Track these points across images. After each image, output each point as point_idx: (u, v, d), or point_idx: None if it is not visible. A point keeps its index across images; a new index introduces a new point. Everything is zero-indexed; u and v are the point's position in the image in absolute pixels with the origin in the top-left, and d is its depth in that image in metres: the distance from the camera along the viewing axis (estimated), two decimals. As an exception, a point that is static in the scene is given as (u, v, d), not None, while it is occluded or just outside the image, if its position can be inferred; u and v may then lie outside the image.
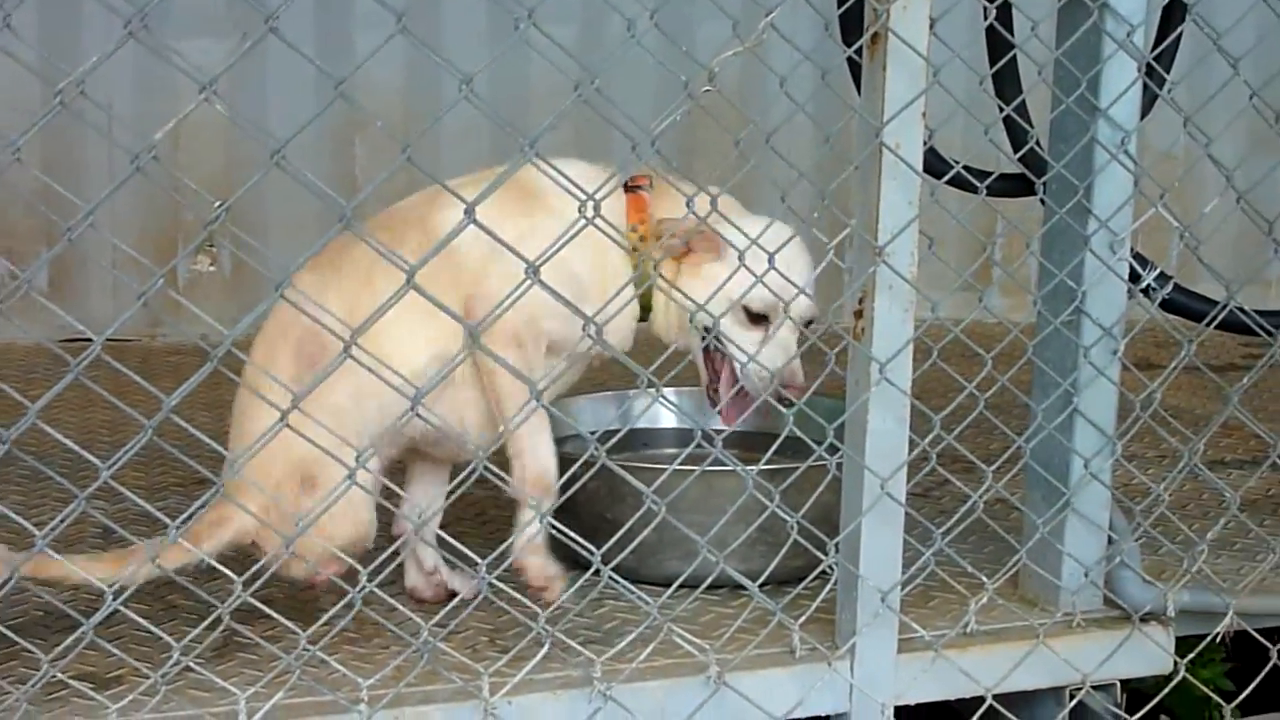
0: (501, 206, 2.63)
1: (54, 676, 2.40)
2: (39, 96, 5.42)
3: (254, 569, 2.34)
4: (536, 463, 2.85)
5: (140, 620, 2.38)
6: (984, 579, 2.96)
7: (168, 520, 2.28)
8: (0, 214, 5.58)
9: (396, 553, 2.44)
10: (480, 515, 3.60)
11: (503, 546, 2.53)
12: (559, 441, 3.45)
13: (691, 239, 2.89)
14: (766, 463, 2.70)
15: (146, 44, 2.15)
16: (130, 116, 5.40)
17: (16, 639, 2.41)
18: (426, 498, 3.08)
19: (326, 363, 2.39)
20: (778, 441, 2.73)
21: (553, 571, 2.85)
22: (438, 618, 2.69)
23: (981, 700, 2.88)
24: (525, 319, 2.77)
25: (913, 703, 2.85)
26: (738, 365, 2.90)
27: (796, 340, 2.92)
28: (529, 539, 2.81)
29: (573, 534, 2.52)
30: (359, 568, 2.39)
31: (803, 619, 2.77)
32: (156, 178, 2.26)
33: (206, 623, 2.44)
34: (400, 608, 2.60)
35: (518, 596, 2.54)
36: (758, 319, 2.91)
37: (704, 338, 2.94)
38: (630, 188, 3.00)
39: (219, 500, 2.58)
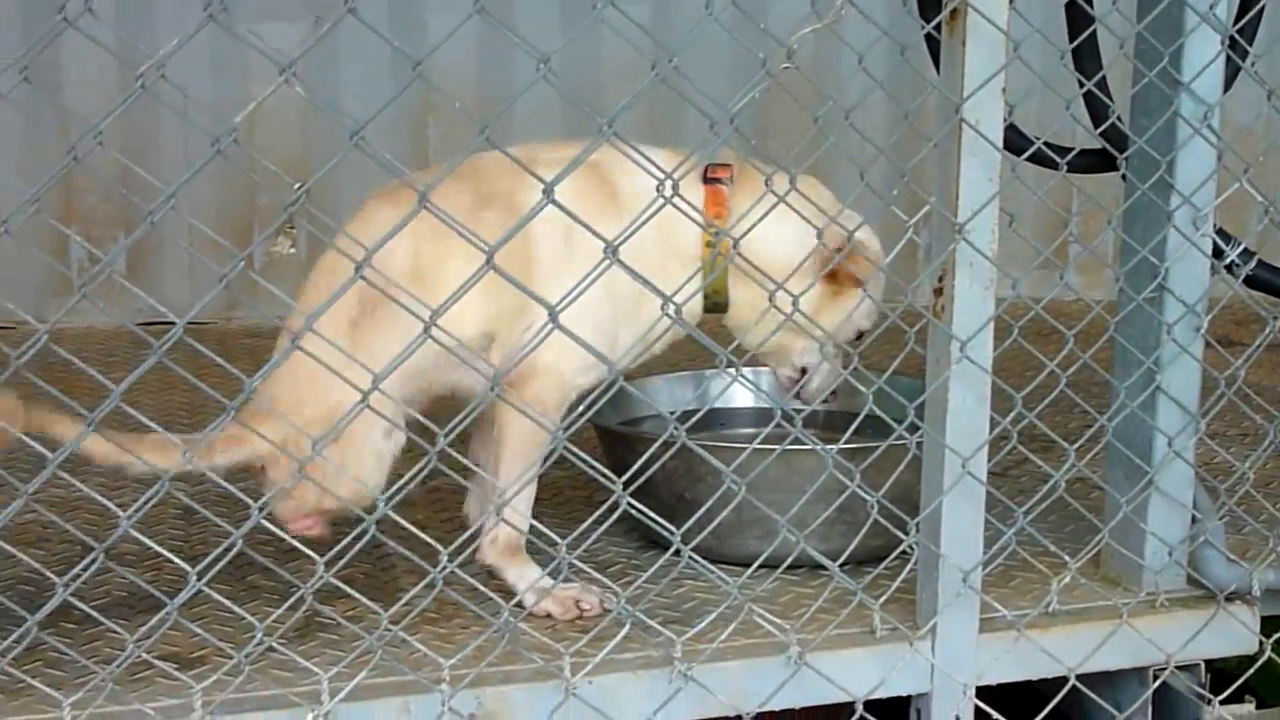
0: (584, 206, 2.59)
1: (139, 656, 2.43)
2: (116, 80, 5.48)
3: (335, 550, 2.35)
4: (512, 526, 2.82)
5: (223, 600, 2.39)
6: (1066, 558, 2.93)
7: (249, 500, 2.29)
8: (78, 198, 5.62)
9: (477, 534, 2.44)
10: (557, 495, 3.61)
11: (582, 526, 2.52)
12: (636, 421, 3.47)
13: (844, 267, 2.89)
14: (846, 442, 2.68)
15: (225, 27, 2.15)
16: (205, 100, 5.43)
17: (102, 619, 2.43)
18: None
19: (381, 310, 2.43)
20: (857, 421, 2.71)
21: (572, 593, 2.87)
22: (519, 597, 2.69)
23: (1063, 681, 2.86)
24: (556, 383, 2.82)
25: (994, 683, 2.83)
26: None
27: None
28: (532, 587, 2.82)
29: (652, 514, 2.51)
30: (439, 547, 2.38)
31: (883, 599, 2.76)
32: (234, 161, 2.26)
33: (289, 603, 2.45)
34: (481, 587, 2.62)
35: (597, 576, 2.54)
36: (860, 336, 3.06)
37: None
38: (710, 180, 2.98)
39: (243, 418, 2.62)
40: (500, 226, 2.47)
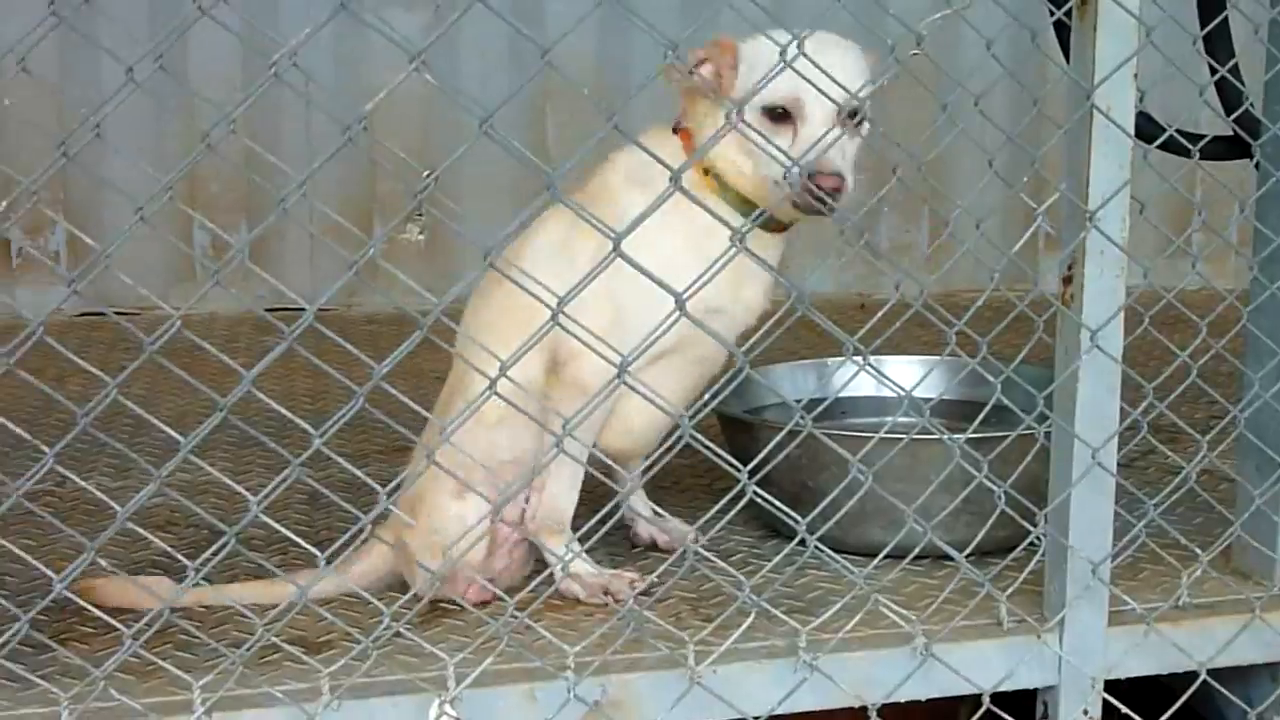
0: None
1: (267, 640, 2.46)
2: (240, 67, 5.55)
3: (464, 534, 2.36)
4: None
5: (351, 586, 2.40)
6: (1197, 551, 2.89)
7: (377, 486, 2.31)
8: (201, 186, 5.69)
9: (603, 521, 2.43)
10: (678, 483, 3.60)
11: (707, 515, 2.51)
12: (759, 409, 3.46)
13: (709, 58, 2.81)
14: (972, 432, 2.66)
15: (355, 15, 2.16)
16: (326, 87, 5.48)
17: (232, 603, 2.46)
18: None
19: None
20: (985, 410, 2.68)
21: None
22: (643, 586, 2.69)
23: (1193, 676, 2.82)
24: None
25: (1123, 677, 2.79)
26: (776, 173, 2.70)
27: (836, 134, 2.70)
28: (562, 570, 2.82)
29: (776, 502, 2.50)
30: (503, 594, 2.38)
31: (1010, 590, 2.73)
32: (362, 148, 2.28)
33: (415, 589, 2.46)
34: (603, 572, 2.62)
35: (723, 565, 2.54)
36: (780, 117, 2.75)
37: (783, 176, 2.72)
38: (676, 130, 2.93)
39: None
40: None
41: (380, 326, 5.40)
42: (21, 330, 2.09)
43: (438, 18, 5.68)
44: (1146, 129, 2.89)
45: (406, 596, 2.49)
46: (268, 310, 2.34)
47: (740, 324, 2.90)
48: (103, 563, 2.29)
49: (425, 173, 2.28)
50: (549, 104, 5.97)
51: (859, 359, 2.50)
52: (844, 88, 2.55)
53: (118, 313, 4.98)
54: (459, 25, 2.28)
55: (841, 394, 2.78)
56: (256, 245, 5.69)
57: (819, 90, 2.58)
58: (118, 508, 2.20)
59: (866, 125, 2.79)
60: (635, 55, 5.90)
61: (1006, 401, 2.69)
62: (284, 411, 2.26)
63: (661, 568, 2.66)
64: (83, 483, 2.29)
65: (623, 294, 2.68)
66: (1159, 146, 2.83)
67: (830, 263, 5.96)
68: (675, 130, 2.93)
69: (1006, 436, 2.78)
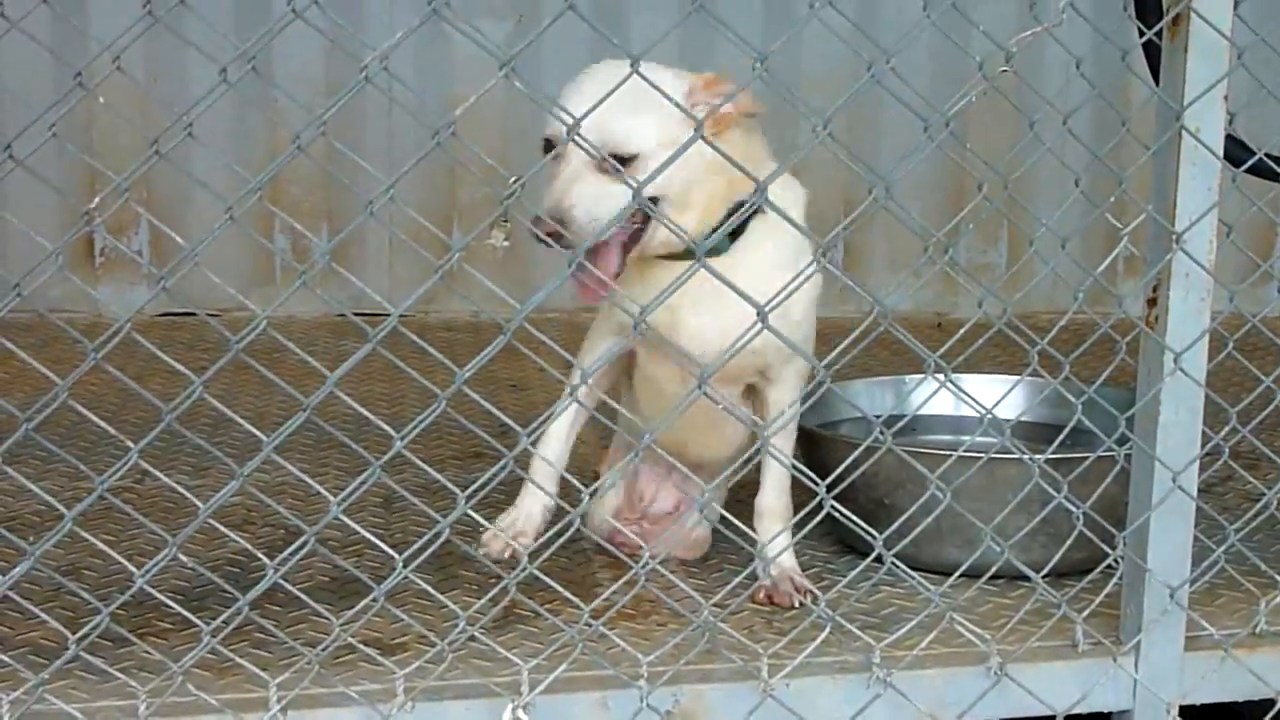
0: None
1: (343, 640, 2.47)
2: (323, 70, 5.59)
3: (538, 542, 2.37)
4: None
5: (427, 588, 2.42)
6: (1276, 577, 2.86)
7: (456, 490, 2.32)
8: (282, 189, 5.73)
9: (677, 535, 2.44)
10: (752, 496, 3.59)
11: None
12: (835, 424, 3.45)
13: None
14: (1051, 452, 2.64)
15: (448, 21, 2.18)
16: (407, 93, 5.51)
17: (308, 601, 2.48)
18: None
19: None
20: (1065, 431, 2.67)
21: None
22: (717, 597, 2.69)
23: (1269, 703, 2.79)
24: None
25: (1198, 703, 2.77)
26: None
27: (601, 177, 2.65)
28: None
29: (854, 518, 2.49)
30: (641, 543, 2.38)
31: (1086, 612, 2.71)
32: (441, 154, 2.29)
33: (491, 594, 2.47)
34: (679, 584, 2.62)
35: (801, 581, 2.53)
36: (550, 149, 2.69)
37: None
38: None
39: None
40: None
41: (457, 333, 5.42)
42: (102, 329, 2.12)
43: (520, 28, 5.70)
44: (1234, 152, 2.86)
45: (482, 601, 2.50)
46: (344, 315, 2.36)
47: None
48: (184, 558, 2.32)
49: (512, 179, 2.29)
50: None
51: (939, 376, 2.50)
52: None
53: (193, 313, 5.00)
54: (542, 34, 2.30)
55: (919, 411, 2.78)
56: (336, 249, 5.73)
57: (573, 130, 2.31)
58: (199, 504, 2.23)
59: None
60: (717, 66, 5.90)
61: (1087, 423, 2.68)
62: (365, 413, 2.28)
63: (735, 580, 2.66)
64: (165, 478, 2.31)
65: None
66: (1247, 170, 2.81)
67: (908, 281, 5.93)
68: None
69: (1086, 458, 2.76)
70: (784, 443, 2.95)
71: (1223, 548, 2.75)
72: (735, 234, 2.77)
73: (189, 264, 2.33)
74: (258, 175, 2.25)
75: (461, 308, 5.65)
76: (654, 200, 2.62)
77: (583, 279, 2.67)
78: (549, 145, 2.67)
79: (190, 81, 5.40)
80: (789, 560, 2.95)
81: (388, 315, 2.16)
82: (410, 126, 5.58)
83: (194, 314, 2.80)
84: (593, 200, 2.63)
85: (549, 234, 2.57)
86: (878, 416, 2.59)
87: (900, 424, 2.51)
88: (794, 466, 2.41)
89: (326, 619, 2.48)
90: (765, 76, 2.27)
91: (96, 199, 2.42)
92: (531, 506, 2.91)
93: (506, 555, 2.84)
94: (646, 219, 2.71)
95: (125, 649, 2.58)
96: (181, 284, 4.95)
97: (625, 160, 2.64)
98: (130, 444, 2.16)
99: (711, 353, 2.68)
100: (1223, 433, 2.67)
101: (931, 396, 2.66)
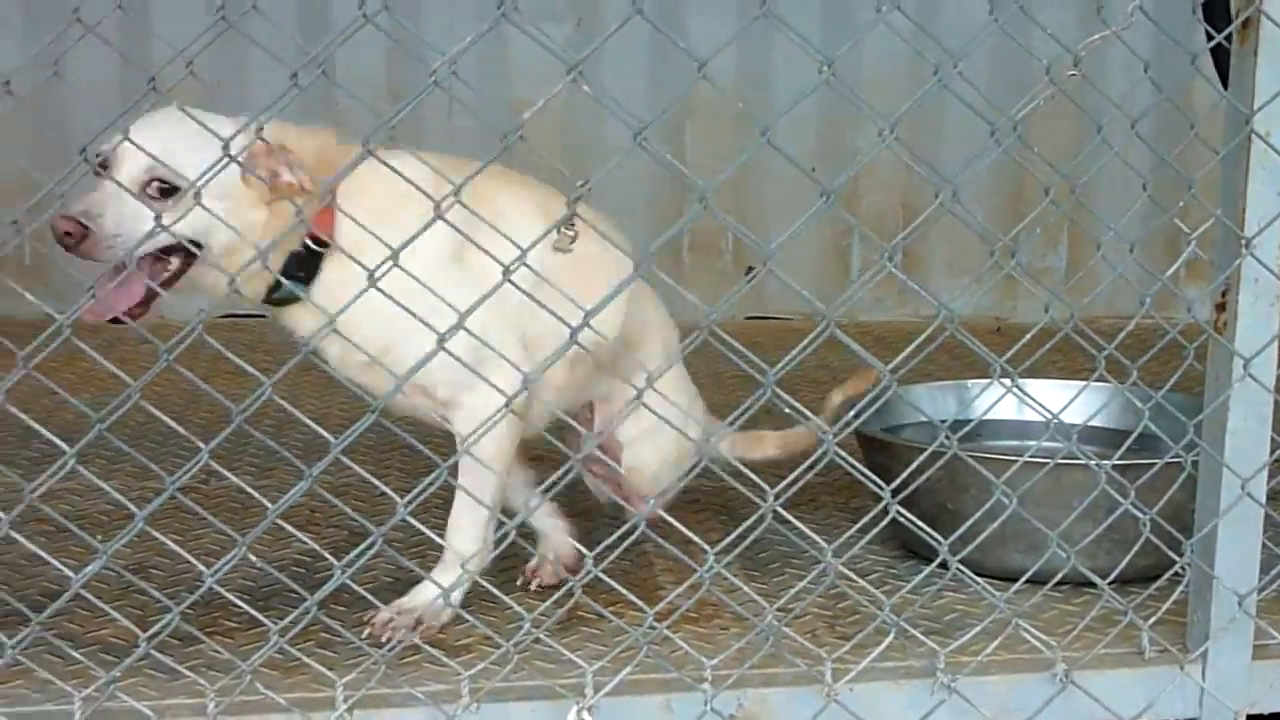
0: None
1: (408, 641, 2.49)
2: (384, 74, 5.62)
3: (602, 546, 2.37)
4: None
5: (493, 590, 2.43)
6: (1346, 585, 2.83)
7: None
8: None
9: (744, 535, 2.44)
10: (813, 501, 3.59)
11: (848, 533, 2.50)
12: (898, 429, 3.44)
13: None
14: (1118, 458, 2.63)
15: (518, 25, 2.19)
16: (467, 97, 5.53)
17: (375, 601, 2.50)
18: None
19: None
20: (1132, 437, 2.66)
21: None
22: (781, 601, 2.69)
23: (1337, 713, 2.78)
24: None
25: (1266, 711, 2.75)
26: None
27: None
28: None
29: (920, 523, 2.49)
30: (705, 546, 2.38)
31: (1152, 620, 2.69)
32: (520, 156, 2.31)
33: (557, 595, 2.47)
34: (743, 587, 2.62)
35: (864, 585, 2.53)
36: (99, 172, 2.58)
37: None
38: None
39: None
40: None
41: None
42: (168, 330, 2.14)
43: (579, 31, 5.72)
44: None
45: (547, 603, 2.51)
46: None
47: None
48: (252, 558, 2.33)
49: (580, 183, 2.30)
50: (689, 119, 5.99)
51: (1005, 381, 2.49)
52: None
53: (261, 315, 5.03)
54: (607, 39, 2.31)
55: (982, 416, 2.78)
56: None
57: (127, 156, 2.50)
58: (268, 504, 2.25)
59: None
60: (776, 70, 5.91)
61: (1154, 428, 2.67)
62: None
63: (800, 584, 2.66)
64: (234, 478, 2.33)
65: None
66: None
67: (970, 286, 5.92)
68: None
69: (1154, 464, 2.74)
70: (472, 479, 2.72)
71: (1291, 555, 2.73)
72: (310, 277, 2.69)
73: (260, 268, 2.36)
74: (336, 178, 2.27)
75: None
76: (196, 244, 2.58)
77: (101, 296, 2.53)
78: (103, 164, 2.55)
79: (252, 84, 5.43)
80: (421, 599, 2.76)
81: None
82: (470, 129, 5.60)
83: (262, 316, 2.82)
84: (125, 217, 2.49)
85: (66, 232, 2.46)
86: (943, 421, 2.58)
87: (966, 429, 2.51)
88: (860, 471, 2.40)
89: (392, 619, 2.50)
90: (831, 80, 2.27)
91: (169, 201, 2.43)
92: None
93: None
94: (186, 264, 2.61)
95: (193, 647, 2.60)
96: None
97: (168, 191, 2.54)
98: (201, 444, 2.18)
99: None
100: (1291, 439, 2.65)
101: (997, 402, 2.65)
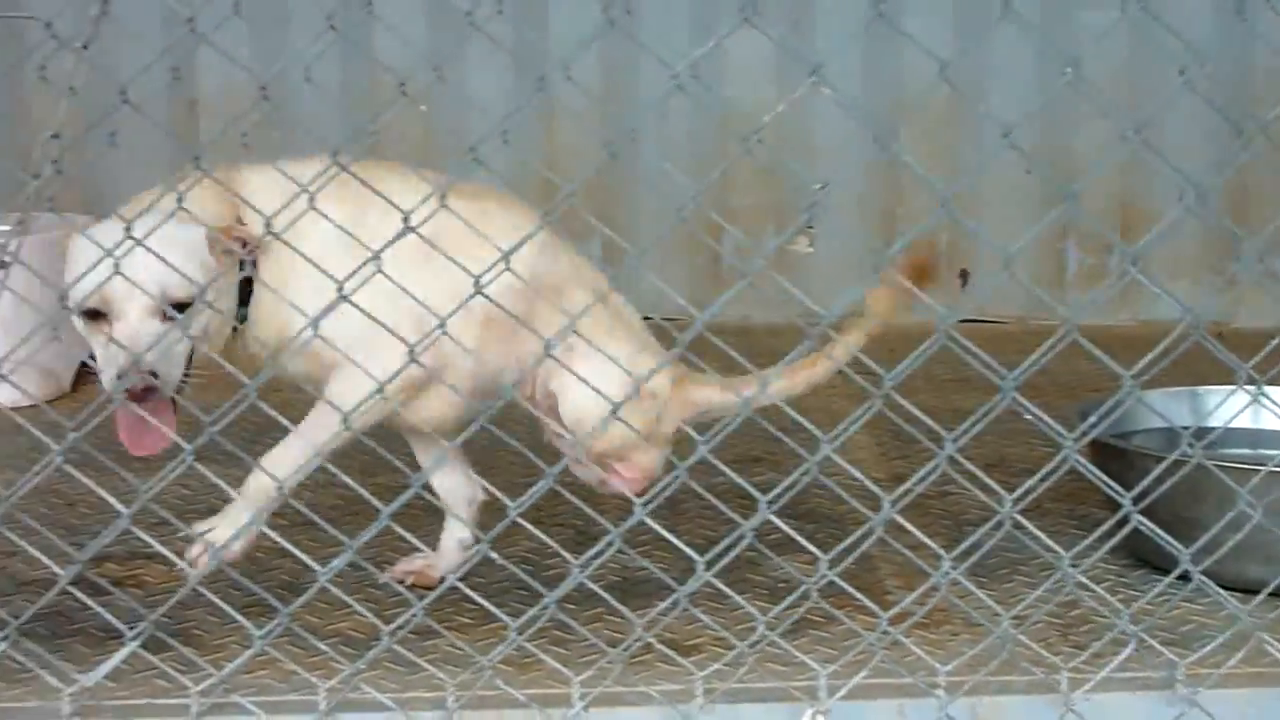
0: None
1: (643, 640, 2.51)
2: (513, 79, 5.67)
3: (840, 548, 2.37)
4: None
5: (727, 591, 2.44)
6: None
7: (757, 494, 2.34)
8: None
9: (978, 544, 2.42)
10: (1038, 508, 3.55)
11: (1086, 541, 2.47)
12: (1128, 435, 3.38)
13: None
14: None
15: (628, 33, 2.20)
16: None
17: (611, 600, 2.52)
18: None
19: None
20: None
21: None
22: (1016, 609, 2.67)
23: None
24: None
25: None
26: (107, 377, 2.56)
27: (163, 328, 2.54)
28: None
29: (1161, 533, 2.45)
30: (939, 551, 2.37)
31: (1403, 636, 2.62)
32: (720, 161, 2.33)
33: (793, 598, 2.47)
34: (975, 591, 2.60)
35: (1102, 594, 2.50)
36: (96, 316, 2.56)
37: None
38: None
39: None
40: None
41: (728, 336, 5.43)
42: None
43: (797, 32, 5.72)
44: None
45: (780, 607, 2.51)
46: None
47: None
48: (494, 555, 2.37)
49: (817, 186, 2.31)
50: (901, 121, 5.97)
51: (1250, 389, 2.45)
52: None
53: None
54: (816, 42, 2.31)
55: (1218, 424, 2.72)
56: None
57: (133, 284, 2.43)
58: (507, 501, 2.29)
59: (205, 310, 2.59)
60: (904, 74, 5.83)
61: None
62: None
63: (1034, 593, 2.64)
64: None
65: None
66: None
67: (1191, 288, 5.78)
68: None
69: None
70: (320, 419, 2.74)
71: None
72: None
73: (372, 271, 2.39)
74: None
75: (732, 311, 5.66)
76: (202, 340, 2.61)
77: (141, 430, 2.56)
78: (93, 313, 2.55)
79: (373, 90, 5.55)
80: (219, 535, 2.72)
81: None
82: (685, 132, 5.62)
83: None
84: (166, 349, 2.54)
85: (146, 388, 2.49)
86: (1185, 429, 2.54)
87: (1210, 438, 2.46)
88: (1102, 480, 2.38)
89: (623, 617, 2.52)
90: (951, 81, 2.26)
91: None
92: None
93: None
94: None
95: (429, 641, 2.64)
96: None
97: (181, 307, 2.55)
98: (445, 443, 2.23)
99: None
100: None
101: (1242, 410, 2.60)
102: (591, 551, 2.37)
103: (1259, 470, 2.61)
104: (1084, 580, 2.50)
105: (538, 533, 2.46)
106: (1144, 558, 3.15)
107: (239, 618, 2.38)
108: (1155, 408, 3.25)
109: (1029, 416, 2.36)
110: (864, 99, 5.61)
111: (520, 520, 2.37)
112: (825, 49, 5.49)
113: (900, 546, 2.49)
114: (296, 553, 2.39)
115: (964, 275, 5.96)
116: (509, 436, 2.42)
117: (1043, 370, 2.38)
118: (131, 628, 2.36)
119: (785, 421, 2.41)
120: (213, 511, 2.81)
